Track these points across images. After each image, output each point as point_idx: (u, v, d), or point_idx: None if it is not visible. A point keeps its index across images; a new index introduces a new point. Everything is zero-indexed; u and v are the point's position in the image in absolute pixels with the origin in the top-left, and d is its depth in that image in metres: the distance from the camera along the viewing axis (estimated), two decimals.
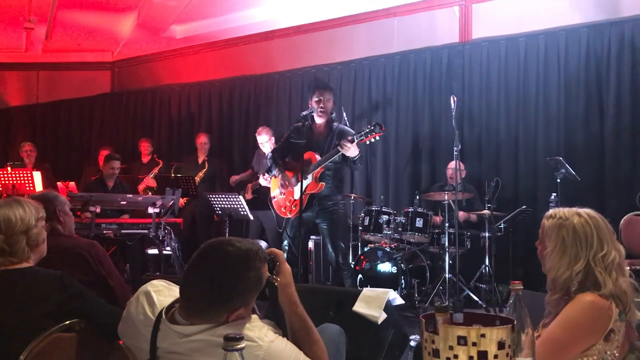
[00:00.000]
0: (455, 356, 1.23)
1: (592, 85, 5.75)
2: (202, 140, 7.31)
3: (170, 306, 1.65)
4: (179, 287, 1.62)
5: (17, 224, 2.07)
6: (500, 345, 1.23)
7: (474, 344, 1.22)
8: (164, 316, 1.62)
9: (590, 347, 1.67)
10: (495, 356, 1.23)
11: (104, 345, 1.98)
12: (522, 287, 1.49)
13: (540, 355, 1.51)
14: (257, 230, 6.41)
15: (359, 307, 3.21)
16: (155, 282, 1.75)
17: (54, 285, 2.03)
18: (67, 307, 2.00)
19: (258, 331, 1.56)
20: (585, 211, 1.85)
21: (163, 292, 1.72)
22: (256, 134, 6.52)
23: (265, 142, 6.39)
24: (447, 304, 1.38)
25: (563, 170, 5.09)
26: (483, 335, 1.22)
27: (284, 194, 4.80)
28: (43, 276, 2.06)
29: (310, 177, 4.58)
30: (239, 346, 1.01)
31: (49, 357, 1.91)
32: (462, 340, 1.22)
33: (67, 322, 1.98)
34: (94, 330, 2.04)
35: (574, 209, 1.86)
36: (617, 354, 1.69)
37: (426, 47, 6.66)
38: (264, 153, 6.53)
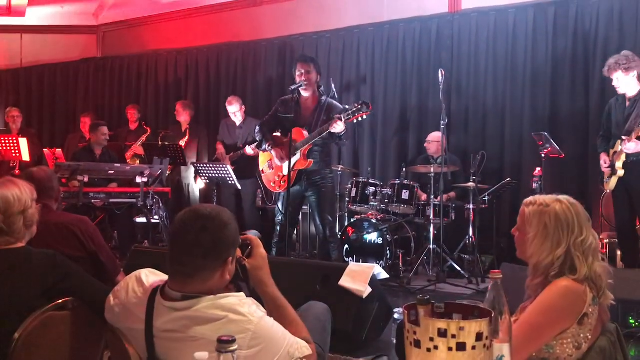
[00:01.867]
0: (436, 347, 1.29)
1: (579, 60, 5.79)
2: (177, 107, 7.20)
3: (161, 287, 1.71)
4: (167, 259, 1.68)
5: (15, 204, 2.08)
6: (479, 337, 1.30)
7: (454, 336, 1.28)
8: (158, 294, 1.68)
9: (564, 331, 1.74)
10: (473, 347, 1.29)
11: (97, 323, 2.02)
12: (501, 276, 1.55)
13: (516, 338, 1.58)
14: (233, 201, 6.41)
15: (344, 281, 3.30)
16: (142, 270, 1.82)
17: (47, 264, 2.06)
18: (60, 286, 2.03)
19: (248, 307, 1.63)
20: (565, 197, 1.90)
21: (152, 277, 1.79)
22: (226, 104, 6.52)
23: (237, 111, 6.43)
24: (428, 297, 1.44)
25: (548, 145, 5.16)
26: (462, 328, 1.28)
27: (272, 169, 4.84)
28: (36, 256, 2.09)
29: (298, 153, 4.62)
30: (232, 348, 1.07)
31: (43, 336, 1.95)
32: (442, 332, 1.29)
33: (60, 300, 2.02)
34: (86, 308, 2.08)
35: (554, 196, 1.91)
36: (589, 337, 1.77)
37: (415, 16, 6.63)
38: (234, 123, 6.54)
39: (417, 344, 1.31)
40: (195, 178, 6.86)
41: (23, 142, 6.42)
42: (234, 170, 5.83)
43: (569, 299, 1.77)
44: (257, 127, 4.97)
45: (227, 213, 1.72)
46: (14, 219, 2.08)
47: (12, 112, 7.58)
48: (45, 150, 7.01)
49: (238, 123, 6.60)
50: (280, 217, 4.79)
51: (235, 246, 1.73)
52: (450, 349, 1.28)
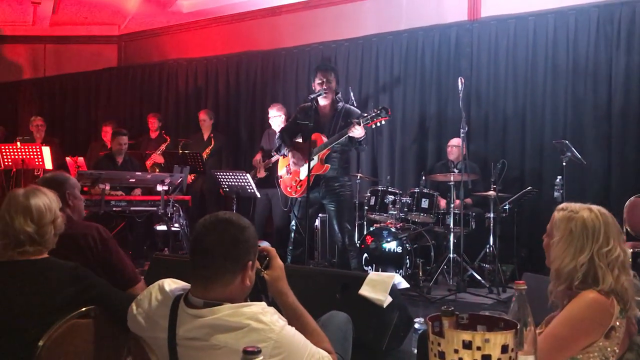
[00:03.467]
0: (460, 359, 1.28)
1: (601, 67, 5.71)
2: (202, 117, 7.30)
3: (184, 295, 1.72)
4: (189, 264, 1.71)
5: (47, 214, 2.10)
6: (504, 349, 1.28)
7: (479, 348, 1.27)
8: (181, 302, 1.69)
9: (591, 344, 1.72)
10: (499, 359, 1.28)
11: (120, 331, 2.04)
12: (525, 287, 1.54)
13: (542, 351, 1.56)
14: (264, 208, 6.45)
15: (364, 290, 3.28)
16: (165, 280, 1.83)
17: (69, 275, 2.07)
18: (83, 297, 2.05)
19: (270, 316, 1.63)
20: (597, 207, 1.88)
21: (174, 285, 1.81)
22: (269, 109, 6.53)
23: (278, 116, 6.40)
24: (452, 308, 1.43)
25: (569, 154, 5.10)
26: (487, 340, 1.27)
27: (290, 174, 4.87)
28: (59, 267, 2.10)
29: (316, 158, 4.63)
30: (257, 359, 1.07)
31: (67, 343, 1.97)
32: (467, 344, 1.28)
33: (83, 309, 2.04)
34: (110, 316, 2.09)
35: (586, 205, 1.89)
36: (617, 350, 1.74)
37: (434, 25, 6.62)
38: (274, 132, 6.53)
39: (442, 356, 1.30)
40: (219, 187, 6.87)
41: (46, 151, 6.51)
42: (267, 179, 5.83)
43: (596, 312, 1.74)
44: (278, 133, 5.02)
45: (245, 218, 1.75)
46: (46, 228, 2.09)
47: (37, 121, 7.69)
48: (67, 158, 7.10)
49: (277, 129, 6.57)
50: (294, 223, 4.80)
51: (254, 251, 1.74)
52: None
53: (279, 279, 1.87)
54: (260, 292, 1.83)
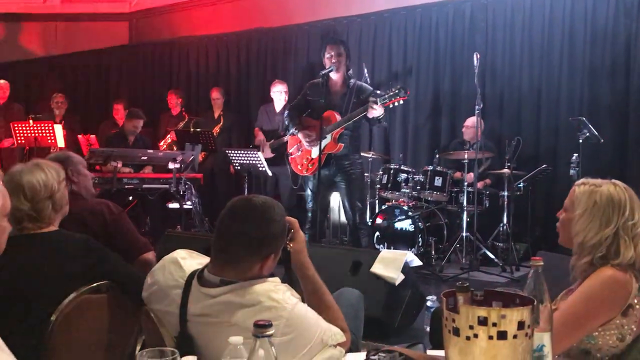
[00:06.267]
0: (475, 335, 1.25)
1: (620, 40, 5.58)
2: (214, 95, 7.23)
3: (199, 272, 1.70)
4: (211, 243, 1.68)
5: (41, 191, 2.07)
6: (520, 325, 1.25)
7: (494, 325, 1.24)
8: (195, 279, 1.68)
9: (608, 322, 1.68)
10: (515, 336, 1.24)
11: (131, 307, 2.04)
12: (542, 263, 1.50)
13: (557, 328, 1.53)
14: (272, 186, 6.42)
15: (376, 268, 3.27)
16: (180, 251, 1.80)
17: (80, 248, 2.07)
18: (93, 270, 2.04)
19: (282, 294, 1.61)
20: (620, 182, 1.84)
21: (189, 260, 1.78)
22: (271, 86, 6.48)
23: (279, 92, 6.32)
24: (467, 284, 1.41)
25: (585, 131, 5.02)
26: (503, 316, 1.24)
27: (301, 151, 4.82)
28: (69, 240, 2.10)
29: (329, 137, 4.58)
30: (268, 332, 1.05)
31: (79, 318, 1.97)
32: (482, 320, 1.24)
33: (95, 284, 2.04)
34: (121, 291, 2.09)
35: (607, 180, 1.85)
36: (634, 328, 1.70)
37: (449, 0, 6.49)
38: (274, 109, 6.49)
39: (456, 332, 1.27)
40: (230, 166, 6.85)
41: (58, 129, 6.51)
42: (274, 157, 5.80)
43: (613, 289, 1.70)
44: (286, 111, 4.95)
45: (278, 209, 1.69)
46: (42, 205, 2.07)
47: (58, 98, 7.57)
48: (79, 136, 7.09)
49: (279, 108, 6.54)
50: (311, 204, 4.77)
51: (280, 244, 1.70)
52: (490, 337, 1.24)
53: (301, 251, 1.85)
54: (282, 263, 1.81)
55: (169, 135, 7.02)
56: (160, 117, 7.63)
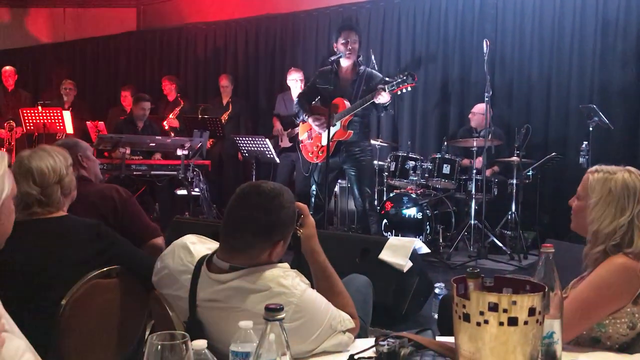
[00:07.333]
0: (486, 321, 1.25)
1: (632, 27, 5.52)
2: (223, 82, 7.21)
3: (209, 257, 1.70)
4: (220, 229, 1.67)
5: (50, 175, 2.08)
6: (531, 312, 1.25)
7: (505, 311, 1.24)
8: (204, 265, 1.68)
9: (619, 310, 1.68)
10: (525, 322, 1.25)
11: (141, 291, 2.05)
12: (552, 250, 1.49)
13: (567, 316, 1.52)
14: (287, 172, 6.40)
15: (385, 255, 3.27)
16: (190, 236, 1.80)
17: (90, 233, 2.08)
18: (104, 255, 2.05)
19: (291, 280, 1.61)
20: (634, 169, 1.82)
21: (199, 245, 1.78)
22: (287, 74, 6.44)
23: (295, 80, 6.29)
24: (478, 270, 1.40)
25: (596, 119, 4.98)
26: (514, 302, 1.24)
27: (312, 139, 4.82)
28: (80, 225, 2.11)
29: (338, 124, 4.56)
30: (279, 316, 1.05)
31: (89, 302, 1.98)
32: (492, 306, 1.24)
33: (105, 268, 2.05)
34: (131, 276, 2.10)
35: (620, 167, 1.83)
36: None
37: None
38: (291, 97, 6.46)
39: (467, 318, 1.27)
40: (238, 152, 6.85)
41: (67, 115, 6.54)
42: (292, 146, 5.77)
43: (624, 277, 1.69)
44: (296, 99, 4.93)
45: (287, 195, 1.68)
46: (51, 189, 2.08)
47: (67, 85, 7.58)
48: (87, 122, 7.11)
49: (296, 95, 6.50)
50: (314, 188, 4.77)
51: (289, 230, 1.69)
52: (501, 323, 1.24)
53: (311, 236, 1.83)
54: (292, 249, 1.80)
55: (165, 122, 7.04)
56: (158, 105, 7.62)
